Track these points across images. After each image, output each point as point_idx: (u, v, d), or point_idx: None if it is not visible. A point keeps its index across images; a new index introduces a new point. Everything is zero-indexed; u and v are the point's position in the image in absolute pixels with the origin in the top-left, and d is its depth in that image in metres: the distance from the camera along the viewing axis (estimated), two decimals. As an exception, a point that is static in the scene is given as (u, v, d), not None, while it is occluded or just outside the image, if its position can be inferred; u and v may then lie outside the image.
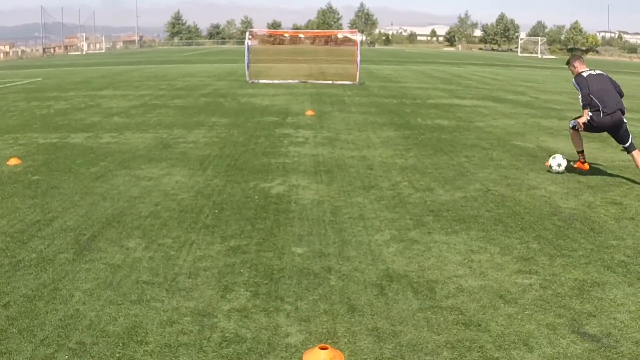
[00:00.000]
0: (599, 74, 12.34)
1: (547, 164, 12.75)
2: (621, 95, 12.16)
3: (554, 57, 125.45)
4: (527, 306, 6.36)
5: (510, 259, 7.70)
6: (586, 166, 12.63)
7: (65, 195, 10.40)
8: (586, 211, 9.90)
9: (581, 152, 12.66)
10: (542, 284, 6.93)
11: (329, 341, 5.55)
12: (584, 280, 7.07)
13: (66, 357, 5.25)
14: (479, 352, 5.44)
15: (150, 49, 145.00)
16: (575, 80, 12.39)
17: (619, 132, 12.01)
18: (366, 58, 68.93)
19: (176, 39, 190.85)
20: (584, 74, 12.31)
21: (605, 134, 12.53)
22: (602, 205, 10.29)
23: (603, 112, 11.80)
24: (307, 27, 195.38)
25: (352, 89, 32.47)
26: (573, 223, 9.24)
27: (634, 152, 11.95)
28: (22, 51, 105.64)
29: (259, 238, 8.36)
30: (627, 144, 12.01)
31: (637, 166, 12.00)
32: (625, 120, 11.97)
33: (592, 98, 11.94)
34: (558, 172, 12.46)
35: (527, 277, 7.14)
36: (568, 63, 12.86)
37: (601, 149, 15.40)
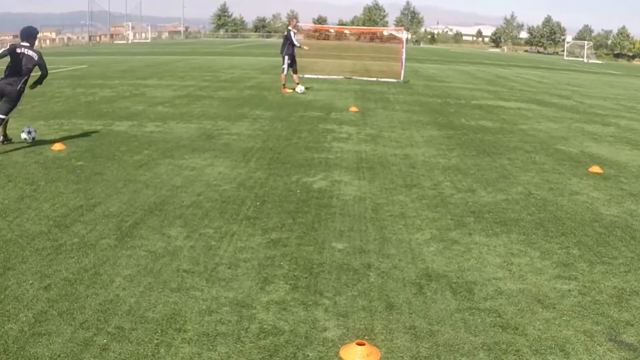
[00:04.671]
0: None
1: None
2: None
3: (600, 62, 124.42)
4: (565, 312, 6.34)
5: (549, 264, 7.67)
6: None
7: (108, 182, 10.50)
8: (628, 219, 9.82)
9: None
10: (580, 290, 6.90)
11: (366, 337, 5.57)
12: (623, 289, 7.02)
13: (105, 341, 5.31)
14: (515, 355, 5.43)
15: (196, 40, 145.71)
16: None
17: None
18: (411, 56, 68.75)
19: (221, 31, 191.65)
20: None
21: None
22: (644, 213, 10.21)
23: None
24: (352, 23, 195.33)
25: (396, 86, 32.41)
26: (614, 230, 9.17)
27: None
28: (68, 38, 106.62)
29: (299, 232, 8.39)
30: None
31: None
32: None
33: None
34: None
35: (566, 282, 7.11)
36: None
37: (646, 157, 15.28)
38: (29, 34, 13.50)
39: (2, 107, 13.08)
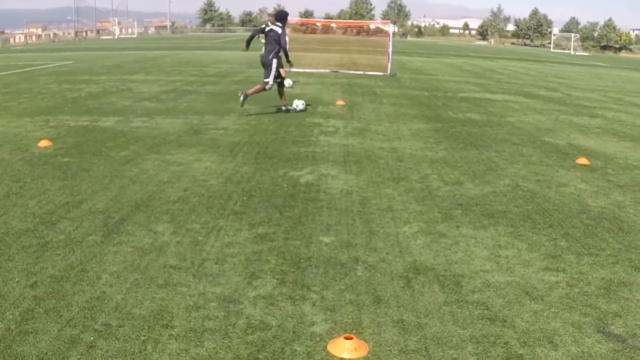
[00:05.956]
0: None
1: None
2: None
3: (587, 54, 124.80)
4: (553, 304, 6.34)
5: (537, 256, 7.67)
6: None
7: (94, 178, 10.46)
8: (615, 210, 9.84)
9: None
10: (568, 282, 6.91)
11: (354, 331, 5.56)
12: (610, 280, 7.03)
13: (92, 338, 5.28)
14: (503, 347, 5.42)
15: (182, 35, 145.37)
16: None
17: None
18: (398, 49, 68.72)
19: (208, 26, 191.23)
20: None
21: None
22: (631, 204, 10.23)
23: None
24: (339, 16, 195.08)
25: (383, 80, 32.40)
26: (602, 222, 9.19)
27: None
28: (54, 34, 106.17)
29: (286, 226, 8.37)
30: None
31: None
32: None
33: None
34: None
35: (554, 274, 7.12)
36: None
37: (632, 149, 15.31)
38: (280, 17, 18.13)
39: (264, 73, 18.09)
